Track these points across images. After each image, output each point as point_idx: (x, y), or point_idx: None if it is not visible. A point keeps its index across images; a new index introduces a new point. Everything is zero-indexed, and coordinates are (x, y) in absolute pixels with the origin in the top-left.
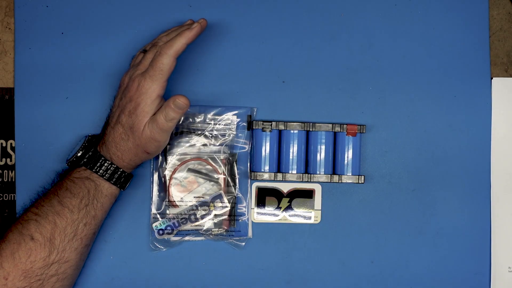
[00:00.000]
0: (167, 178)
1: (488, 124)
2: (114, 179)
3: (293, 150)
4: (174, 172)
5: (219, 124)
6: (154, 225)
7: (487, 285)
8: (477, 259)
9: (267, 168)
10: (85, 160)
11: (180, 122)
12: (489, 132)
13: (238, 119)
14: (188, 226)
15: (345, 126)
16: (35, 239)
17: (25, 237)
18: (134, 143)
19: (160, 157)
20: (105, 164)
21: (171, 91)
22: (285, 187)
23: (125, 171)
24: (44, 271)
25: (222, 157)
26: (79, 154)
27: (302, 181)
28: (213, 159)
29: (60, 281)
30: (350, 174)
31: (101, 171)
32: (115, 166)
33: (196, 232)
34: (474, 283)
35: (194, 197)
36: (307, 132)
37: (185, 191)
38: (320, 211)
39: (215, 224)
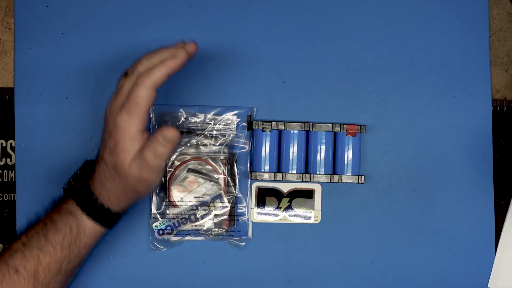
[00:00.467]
0: (167, 178)
1: (488, 124)
2: (99, 218)
3: (293, 150)
4: (174, 172)
5: (219, 124)
6: (154, 225)
7: (487, 286)
8: (478, 260)
9: (267, 168)
10: (73, 191)
11: (180, 122)
12: (490, 132)
13: (238, 119)
14: (188, 226)
15: (345, 126)
16: (19, 273)
17: (10, 269)
18: (120, 184)
19: None
20: (91, 201)
21: (170, 91)
22: (285, 187)
23: (112, 210)
24: None
25: (222, 157)
26: (71, 181)
27: (302, 181)
28: (213, 159)
29: None
30: (350, 174)
31: (86, 207)
32: (100, 205)
33: (196, 232)
34: (475, 284)
35: (194, 197)
36: (307, 132)
37: (185, 191)
38: (320, 211)
39: (215, 224)
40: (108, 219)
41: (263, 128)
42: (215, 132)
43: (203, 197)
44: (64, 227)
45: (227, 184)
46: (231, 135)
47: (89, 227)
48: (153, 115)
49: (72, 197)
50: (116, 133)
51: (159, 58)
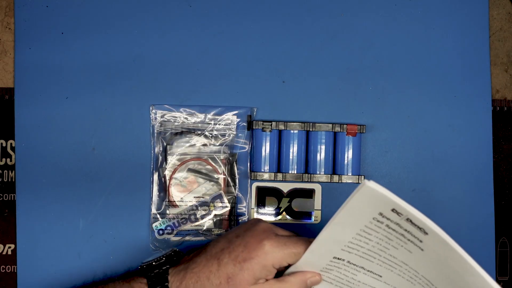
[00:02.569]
0: (167, 178)
1: (488, 124)
2: None
3: (293, 150)
4: (174, 172)
5: (219, 124)
6: (154, 225)
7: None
8: (478, 260)
9: (267, 168)
10: (150, 273)
11: (180, 122)
12: (490, 132)
13: (238, 119)
14: (188, 226)
15: (345, 126)
16: None
17: None
18: None
19: (160, 157)
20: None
21: (170, 91)
22: (285, 187)
23: None
24: None
25: (222, 157)
26: (153, 263)
27: (302, 181)
28: (213, 159)
29: None
30: (350, 174)
31: None
32: None
33: (196, 232)
34: None
35: (194, 197)
36: (307, 132)
37: (185, 191)
38: (320, 211)
39: (215, 224)
40: None
41: (263, 128)
42: (215, 132)
43: (203, 197)
44: None
45: (227, 184)
46: (231, 135)
47: None
48: (154, 115)
49: (147, 279)
50: (255, 251)
51: None
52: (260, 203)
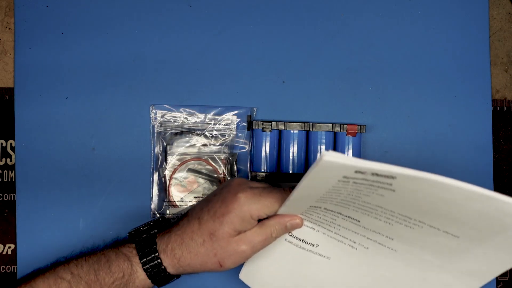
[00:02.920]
0: (167, 178)
1: (488, 124)
2: (152, 274)
3: (293, 150)
4: (174, 172)
5: (219, 124)
6: None
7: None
8: None
9: (267, 168)
10: (138, 239)
11: (180, 122)
12: (490, 132)
13: (238, 119)
14: None
15: (345, 126)
16: None
17: None
18: (209, 251)
19: (160, 157)
20: (152, 255)
21: (170, 91)
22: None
23: (168, 273)
24: None
25: (222, 157)
26: (141, 229)
27: None
28: (213, 159)
29: None
30: None
31: (144, 259)
32: (160, 262)
33: None
34: None
35: (194, 197)
36: (307, 132)
37: (185, 191)
38: None
39: None
40: (162, 278)
41: (263, 128)
42: (215, 132)
43: (203, 197)
44: (117, 271)
45: None
46: (231, 135)
47: (140, 279)
48: (154, 115)
49: (135, 243)
50: (232, 205)
51: None
52: None
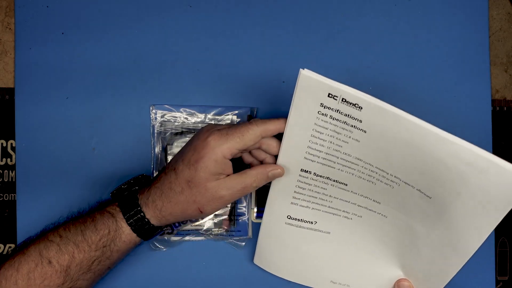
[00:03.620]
0: None
1: (488, 124)
2: (137, 228)
3: None
4: None
5: None
6: None
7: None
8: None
9: None
10: (120, 197)
11: (180, 122)
12: (490, 132)
13: (238, 119)
14: (188, 226)
15: None
16: (52, 265)
17: (44, 259)
18: (189, 198)
19: (160, 157)
20: (135, 210)
21: (170, 91)
22: None
23: (151, 223)
24: None
25: None
26: (122, 187)
27: None
28: None
29: None
30: None
31: (128, 214)
32: (143, 215)
33: (196, 232)
34: (476, 284)
35: None
36: None
37: None
38: None
39: (215, 224)
40: (146, 231)
41: None
42: None
43: None
44: (102, 228)
45: None
46: None
47: (125, 233)
48: (154, 115)
49: (118, 201)
50: (203, 150)
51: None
52: (260, 203)
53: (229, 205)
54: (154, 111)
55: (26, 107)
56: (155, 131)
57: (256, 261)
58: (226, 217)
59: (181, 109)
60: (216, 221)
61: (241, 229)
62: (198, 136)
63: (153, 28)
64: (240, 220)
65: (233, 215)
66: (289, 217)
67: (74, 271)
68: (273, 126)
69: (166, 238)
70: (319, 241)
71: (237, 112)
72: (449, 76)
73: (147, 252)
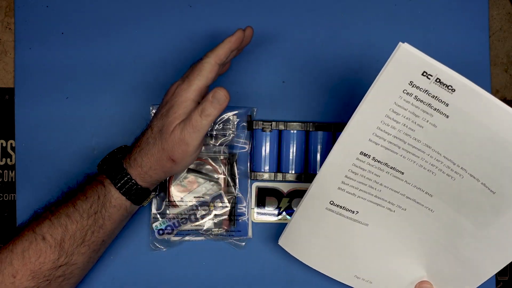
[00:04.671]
0: (167, 178)
1: None
2: (124, 190)
3: (293, 150)
4: None
5: (219, 124)
6: (154, 225)
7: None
8: None
9: (267, 168)
10: (105, 166)
11: None
12: None
13: (238, 119)
14: (188, 226)
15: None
16: (46, 240)
17: (37, 236)
18: (160, 147)
19: None
20: (121, 173)
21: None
22: (285, 187)
23: (138, 184)
24: (52, 272)
25: (222, 157)
26: (107, 157)
27: (302, 181)
28: (213, 159)
29: (67, 279)
30: None
31: (114, 178)
32: (128, 176)
33: (196, 232)
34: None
35: (194, 197)
36: (307, 132)
37: (185, 191)
38: None
39: (215, 224)
40: (135, 193)
41: (263, 128)
42: (215, 132)
43: (203, 197)
44: (92, 195)
45: (227, 184)
46: (231, 135)
47: (115, 197)
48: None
49: (103, 171)
50: (172, 99)
51: (224, 45)
52: (260, 203)
53: (229, 205)
54: (154, 111)
55: (26, 107)
56: None
57: (282, 242)
58: (226, 217)
59: None
60: (216, 221)
61: (241, 229)
62: (167, 93)
63: (153, 28)
64: (240, 220)
65: (233, 215)
66: (332, 203)
67: (68, 244)
68: (222, 51)
69: (166, 238)
70: (354, 233)
71: (237, 112)
72: None
73: (147, 252)
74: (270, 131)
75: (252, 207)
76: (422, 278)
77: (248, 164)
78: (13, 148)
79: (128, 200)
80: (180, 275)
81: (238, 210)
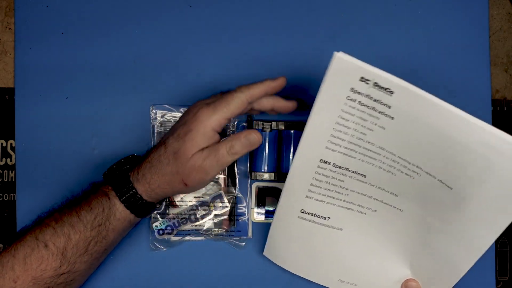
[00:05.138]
0: None
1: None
2: (130, 204)
3: (293, 150)
4: None
5: None
6: (154, 225)
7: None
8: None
9: (267, 168)
10: (111, 176)
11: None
12: None
13: (238, 119)
14: (188, 226)
15: None
16: (49, 248)
17: (40, 243)
18: (173, 169)
19: None
20: (126, 186)
21: (170, 91)
22: None
23: (143, 198)
24: (53, 279)
25: None
26: (113, 167)
27: None
28: None
29: (68, 285)
30: None
31: (120, 191)
32: (134, 190)
33: (196, 232)
34: (476, 284)
35: (194, 197)
36: None
37: None
38: None
39: (215, 224)
40: (139, 207)
41: (263, 128)
42: None
43: (203, 197)
44: (97, 207)
45: (227, 184)
46: (231, 135)
47: (120, 211)
48: (154, 115)
49: (109, 182)
50: (192, 123)
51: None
52: (260, 203)
53: (229, 205)
54: (154, 111)
55: (26, 107)
56: (155, 131)
57: (266, 253)
58: (226, 217)
59: (181, 109)
60: (216, 221)
61: (241, 229)
62: (188, 111)
63: (153, 28)
64: (240, 220)
65: (233, 215)
66: (303, 211)
67: (70, 253)
68: (257, 90)
69: (166, 238)
70: (331, 238)
71: None
72: (449, 76)
73: (147, 252)
74: (270, 131)
75: (252, 207)
76: (407, 277)
77: (248, 164)
78: (13, 148)
79: (132, 213)
80: (180, 275)
81: (238, 210)
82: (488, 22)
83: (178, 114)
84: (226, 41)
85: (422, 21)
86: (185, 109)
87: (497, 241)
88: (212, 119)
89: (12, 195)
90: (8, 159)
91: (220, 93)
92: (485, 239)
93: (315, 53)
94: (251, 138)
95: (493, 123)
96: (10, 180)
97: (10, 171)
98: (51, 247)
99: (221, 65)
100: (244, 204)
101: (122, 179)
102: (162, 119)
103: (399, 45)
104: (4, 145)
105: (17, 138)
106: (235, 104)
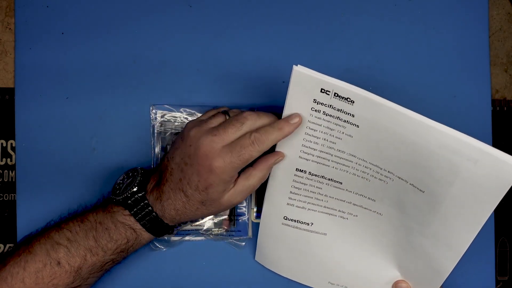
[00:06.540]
0: None
1: (488, 124)
2: (155, 231)
3: None
4: None
5: None
6: None
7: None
8: (479, 261)
9: None
10: (131, 202)
11: (180, 122)
12: (490, 132)
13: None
14: (188, 226)
15: None
16: (62, 266)
17: (52, 260)
18: (205, 212)
19: (160, 157)
20: (151, 216)
21: (170, 91)
22: None
23: (169, 225)
24: None
25: None
26: (134, 189)
27: None
28: None
29: None
30: None
31: (145, 221)
32: (160, 219)
33: (196, 232)
34: (476, 284)
35: None
36: None
37: None
38: None
39: (215, 224)
40: (163, 231)
41: None
42: None
43: None
44: (120, 238)
45: None
46: None
47: (145, 238)
48: (154, 115)
49: (129, 209)
50: (211, 178)
51: (267, 118)
52: (260, 203)
53: None
54: (154, 111)
55: (26, 107)
56: (155, 131)
57: (257, 258)
58: (226, 217)
59: (181, 109)
60: (216, 221)
61: (241, 229)
62: (198, 159)
63: (153, 28)
64: (240, 220)
65: (233, 215)
66: (286, 218)
67: (85, 272)
68: (274, 139)
69: (166, 238)
70: (316, 243)
71: None
72: (449, 76)
73: (147, 252)
74: None
75: (252, 207)
76: (397, 278)
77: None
78: (13, 148)
79: (156, 237)
80: (180, 275)
81: (238, 210)
82: (488, 22)
83: (178, 114)
84: (225, 41)
85: (422, 21)
86: (185, 109)
87: (496, 241)
88: (228, 171)
89: (12, 195)
90: (8, 159)
91: (223, 113)
92: (464, 238)
93: (315, 53)
94: (279, 162)
95: (493, 123)
96: (10, 180)
97: (10, 171)
98: (65, 265)
99: (221, 65)
100: (244, 204)
101: (146, 210)
102: (162, 119)
103: (399, 45)
104: (4, 145)
105: (17, 138)
106: (250, 158)
